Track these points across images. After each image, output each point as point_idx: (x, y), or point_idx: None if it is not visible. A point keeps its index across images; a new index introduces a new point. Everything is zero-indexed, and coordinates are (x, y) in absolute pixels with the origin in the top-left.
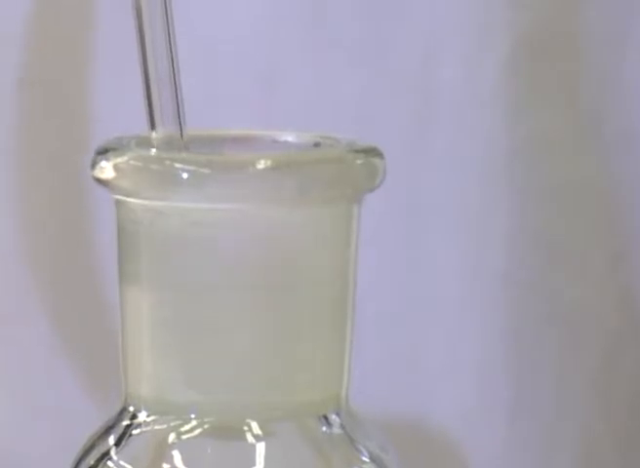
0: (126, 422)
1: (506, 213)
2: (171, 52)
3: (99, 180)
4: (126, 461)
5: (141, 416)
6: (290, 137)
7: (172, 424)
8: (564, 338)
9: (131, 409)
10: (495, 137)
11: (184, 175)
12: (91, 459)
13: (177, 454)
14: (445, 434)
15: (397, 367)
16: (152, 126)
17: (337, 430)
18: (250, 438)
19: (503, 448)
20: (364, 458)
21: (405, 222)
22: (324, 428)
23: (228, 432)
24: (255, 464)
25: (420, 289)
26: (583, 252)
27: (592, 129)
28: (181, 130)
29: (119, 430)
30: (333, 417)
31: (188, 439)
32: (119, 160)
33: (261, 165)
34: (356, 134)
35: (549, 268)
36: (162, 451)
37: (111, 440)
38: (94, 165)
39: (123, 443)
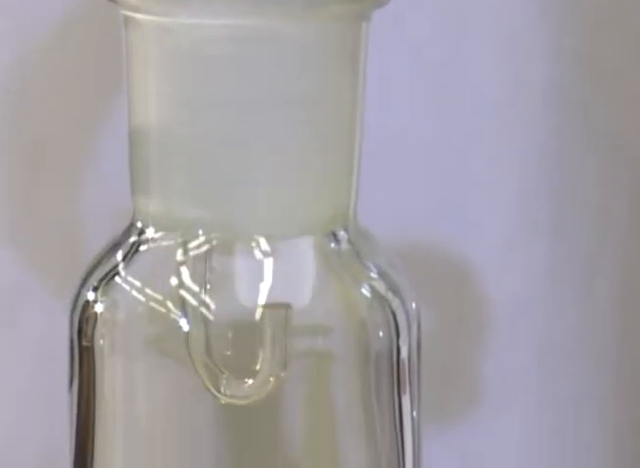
0: (133, 239)
1: (546, 30)
2: None
3: None
4: (134, 277)
5: (149, 233)
6: None
7: (179, 240)
8: (604, 163)
9: (138, 224)
10: None
11: None
12: (98, 275)
13: (184, 270)
14: (483, 260)
15: (436, 193)
16: None
17: (345, 246)
18: (257, 254)
19: (543, 275)
20: (372, 274)
21: (447, 42)
22: (332, 244)
23: (236, 248)
24: (262, 280)
25: (459, 114)
26: (624, 71)
27: None
28: None
29: (126, 247)
30: (341, 234)
31: (196, 255)
32: None
33: None
34: None
35: (590, 91)
36: (170, 267)
37: (119, 256)
38: None
39: (131, 259)
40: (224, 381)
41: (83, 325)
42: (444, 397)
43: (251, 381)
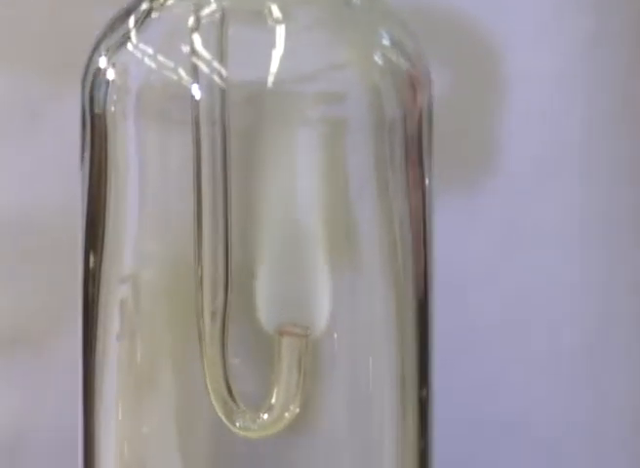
0: (145, 5)
1: None
2: None
3: None
4: (145, 44)
5: None
6: None
7: (191, 7)
8: None
9: None
10: None
11: None
12: (109, 42)
13: (196, 38)
14: (510, 37)
15: None
16: None
17: (358, 13)
18: (269, 21)
19: (581, 52)
20: (385, 41)
21: None
22: (345, 10)
23: (248, 15)
24: (274, 46)
25: None
26: None
27: None
28: None
29: (138, 13)
30: (353, 0)
31: (208, 22)
32: None
33: None
34: None
35: None
36: (182, 35)
37: (130, 22)
38: None
39: (142, 25)
40: (239, 415)
41: (94, 92)
42: (458, 166)
43: (266, 416)
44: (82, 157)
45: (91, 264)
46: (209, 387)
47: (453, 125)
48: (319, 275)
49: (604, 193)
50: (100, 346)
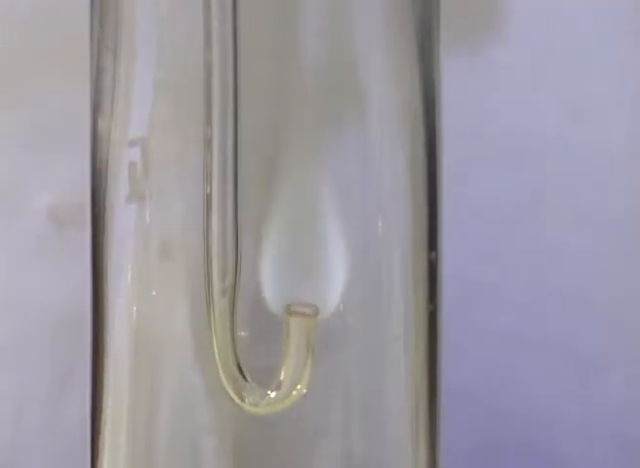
0: None
1: None
2: None
3: None
4: None
5: None
6: None
7: None
8: None
9: None
10: None
11: None
12: None
13: None
14: None
15: None
16: None
17: None
18: None
19: None
20: None
21: None
22: None
23: None
24: None
25: None
26: None
27: None
28: None
29: None
30: None
31: None
32: None
33: None
34: None
35: None
36: None
37: None
38: None
39: None
40: (249, 391)
41: None
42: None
43: (274, 394)
44: (91, 27)
45: (99, 129)
46: (217, 363)
47: None
48: (331, 244)
49: None
50: (108, 210)
